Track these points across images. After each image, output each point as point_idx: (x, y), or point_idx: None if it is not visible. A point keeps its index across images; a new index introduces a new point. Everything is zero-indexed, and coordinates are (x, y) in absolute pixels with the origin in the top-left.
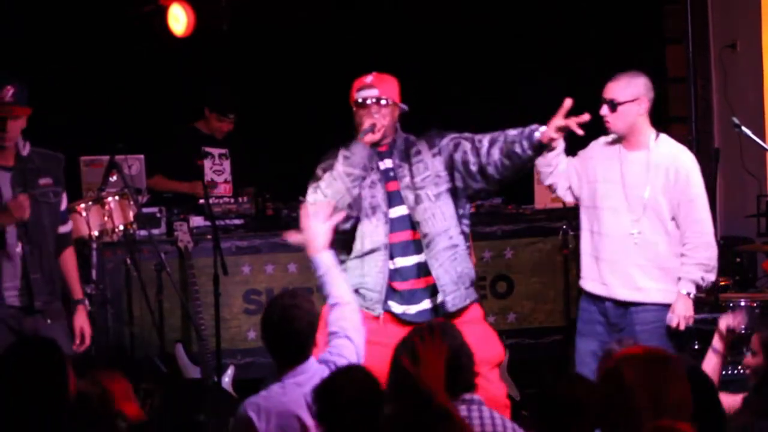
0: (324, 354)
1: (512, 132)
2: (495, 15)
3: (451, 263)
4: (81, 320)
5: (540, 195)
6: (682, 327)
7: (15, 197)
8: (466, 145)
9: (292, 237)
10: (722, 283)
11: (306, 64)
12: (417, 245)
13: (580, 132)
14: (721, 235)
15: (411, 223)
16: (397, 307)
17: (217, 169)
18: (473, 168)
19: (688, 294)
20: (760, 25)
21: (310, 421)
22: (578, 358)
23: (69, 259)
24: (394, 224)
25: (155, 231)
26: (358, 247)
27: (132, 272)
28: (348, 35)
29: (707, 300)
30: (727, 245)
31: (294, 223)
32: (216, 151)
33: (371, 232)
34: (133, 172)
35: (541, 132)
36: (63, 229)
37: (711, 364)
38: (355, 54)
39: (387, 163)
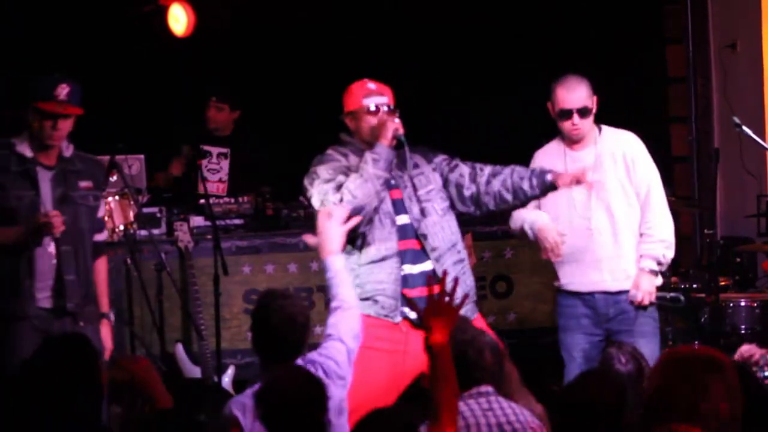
0: (312, 354)
1: (521, 169)
2: (495, 15)
3: (462, 277)
4: (102, 334)
5: None
6: (645, 302)
7: (47, 214)
8: (464, 169)
9: (310, 239)
10: (722, 283)
11: (306, 64)
12: (421, 254)
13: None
14: (721, 235)
15: (414, 232)
16: (411, 313)
17: (213, 167)
18: (466, 193)
19: (651, 271)
20: (760, 25)
21: None
22: (566, 354)
23: (101, 269)
24: (400, 232)
25: (155, 231)
26: (372, 253)
27: (132, 272)
28: (348, 35)
29: (709, 301)
30: (727, 245)
31: (294, 223)
32: (215, 150)
33: (385, 239)
34: (133, 172)
35: (552, 175)
36: (98, 237)
37: None
38: (355, 54)
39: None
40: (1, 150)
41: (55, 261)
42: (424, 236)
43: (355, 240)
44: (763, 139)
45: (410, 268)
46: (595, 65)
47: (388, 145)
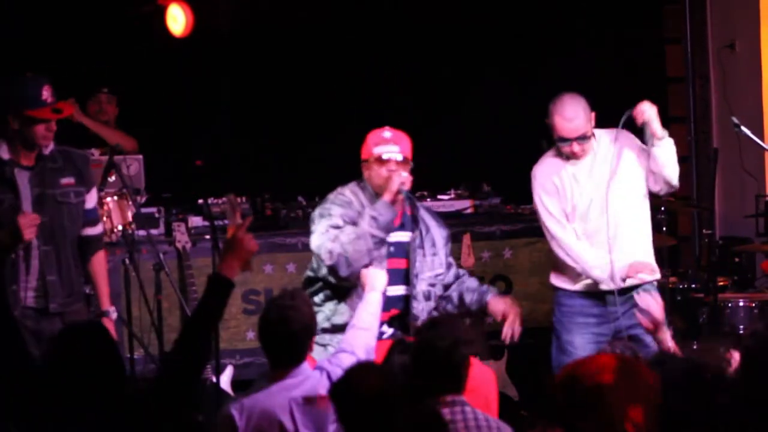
0: (323, 361)
1: (471, 284)
2: (495, 15)
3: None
4: None
5: None
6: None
7: (25, 215)
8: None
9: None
10: (721, 284)
11: (305, 64)
12: (402, 276)
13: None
14: (719, 235)
15: (405, 252)
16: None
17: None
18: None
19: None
20: (759, 25)
21: (290, 426)
22: (555, 348)
23: (98, 265)
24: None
25: (154, 231)
26: (345, 317)
27: (131, 272)
28: (348, 36)
29: (708, 301)
30: (725, 245)
31: (292, 223)
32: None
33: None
34: (132, 172)
35: (491, 297)
36: (89, 231)
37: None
38: (355, 54)
39: (402, 236)
40: None
41: (38, 261)
42: (416, 276)
43: (333, 295)
44: (762, 139)
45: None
46: (594, 65)
47: (390, 200)
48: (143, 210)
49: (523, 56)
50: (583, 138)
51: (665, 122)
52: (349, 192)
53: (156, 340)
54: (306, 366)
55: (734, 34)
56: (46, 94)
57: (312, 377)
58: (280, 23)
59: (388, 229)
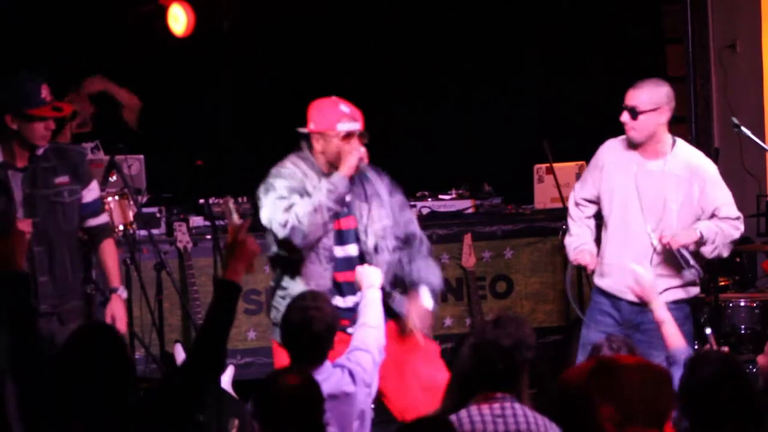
0: (341, 359)
1: (420, 264)
2: (495, 14)
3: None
4: (112, 308)
5: (540, 195)
6: (667, 241)
7: (20, 220)
8: (411, 230)
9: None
10: (722, 283)
11: (307, 63)
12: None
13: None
14: None
15: (361, 263)
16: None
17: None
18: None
19: (699, 232)
20: (760, 25)
21: None
22: (581, 347)
23: (106, 250)
24: (343, 263)
25: (155, 231)
26: (300, 287)
27: (132, 272)
28: (350, 35)
29: (709, 301)
30: None
31: None
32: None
33: (318, 275)
34: (133, 172)
35: (397, 302)
36: (92, 222)
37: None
38: (357, 54)
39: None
40: None
41: (27, 263)
42: None
43: (286, 267)
44: (763, 139)
45: (342, 301)
46: (594, 65)
47: (347, 175)
48: (144, 210)
49: (523, 56)
50: (633, 112)
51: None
52: (290, 164)
53: (157, 340)
54: (328, 365)
55: (735, 34)
56: (45, 92)
57: (334, 374)
58: (281, 23)
59: (343, 202)
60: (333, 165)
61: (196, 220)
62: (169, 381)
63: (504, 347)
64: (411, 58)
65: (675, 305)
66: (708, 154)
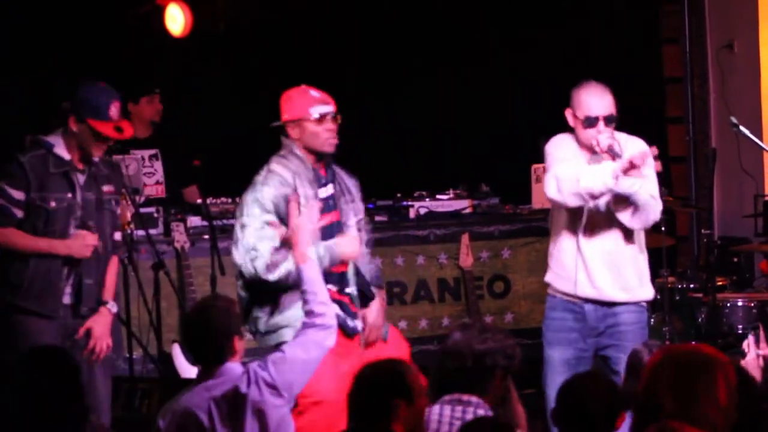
0: (259, 361)
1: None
2: (492, 14)
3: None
4: (93, 321)
5: (537, 195)
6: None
7: (80, 235)
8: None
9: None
10: (720, 283)
11: (304, 64)
12: (343, 278)
13: None
14: (718, 235)
15: (335, 204)
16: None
17: (148, 171)
18: None
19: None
20: (757, 25)
21: (207, 423)
22: (549, 368)
23: (112, 264)
24: None
25: (153, 231)
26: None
27: (129, 272)
28: (347, 36)
29: (706, 301)
30: (724, 245)
31: None
32: (146, 153)
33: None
34: (131, 172)
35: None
36: (116, 236)
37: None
38: (355, 55)
39: (329, 189)
40: (39, 149)
41: (76, 264)
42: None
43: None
44: (761, 139)
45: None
46: (591, 65)
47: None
48: (142, 210)
49: (522, 57)
50: (611, 119)
51: (663, 122)
52: (279, 168)
53: (155, 340)
54: (230, 367)
55: (733, 34)
56: (114, 110)
57: (233, 378)
58: (278, 23)
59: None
60: (312, 151)
61: (194, 220)
62: None
63: (475, 350)
64: (409, 58)
65: (640, 307)
66: (705, 154)
